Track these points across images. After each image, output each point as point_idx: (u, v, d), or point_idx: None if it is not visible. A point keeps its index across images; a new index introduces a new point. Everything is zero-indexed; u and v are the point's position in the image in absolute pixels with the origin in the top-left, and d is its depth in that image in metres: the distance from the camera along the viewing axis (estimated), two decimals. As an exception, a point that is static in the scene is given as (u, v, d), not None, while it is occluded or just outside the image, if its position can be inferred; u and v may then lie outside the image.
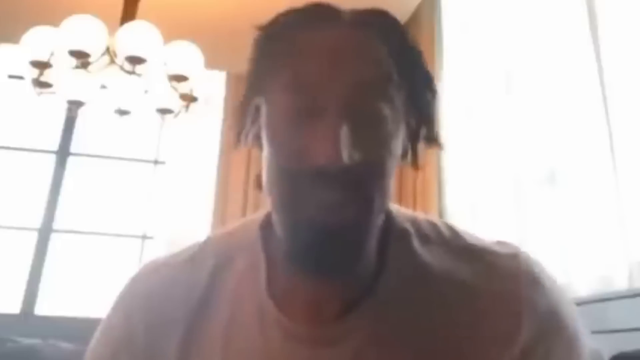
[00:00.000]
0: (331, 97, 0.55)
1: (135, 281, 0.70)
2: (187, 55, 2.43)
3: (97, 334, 0.69)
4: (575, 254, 1.86)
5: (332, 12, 0.60)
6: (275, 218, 0.59)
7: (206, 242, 0.70)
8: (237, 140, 0.64)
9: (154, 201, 3.70)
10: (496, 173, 2.38)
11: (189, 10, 3.27)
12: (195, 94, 2.54)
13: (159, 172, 3.85)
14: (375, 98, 0.56)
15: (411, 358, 0.60)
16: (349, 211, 0.54)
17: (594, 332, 1.59)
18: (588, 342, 0.66)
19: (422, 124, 0.63)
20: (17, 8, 3.22)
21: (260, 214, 0.68)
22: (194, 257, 0.68)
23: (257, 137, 0.62)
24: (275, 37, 0.60)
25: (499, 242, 0.68)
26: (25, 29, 2.40)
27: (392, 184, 0.59)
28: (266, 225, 0.66)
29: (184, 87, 2.49)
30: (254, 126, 0.62)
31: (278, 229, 0.59)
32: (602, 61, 1.84)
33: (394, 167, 0.58)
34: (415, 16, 3.28)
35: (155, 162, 3.91)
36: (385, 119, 0.56)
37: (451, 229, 0.68)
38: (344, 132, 0.53)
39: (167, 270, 0.68)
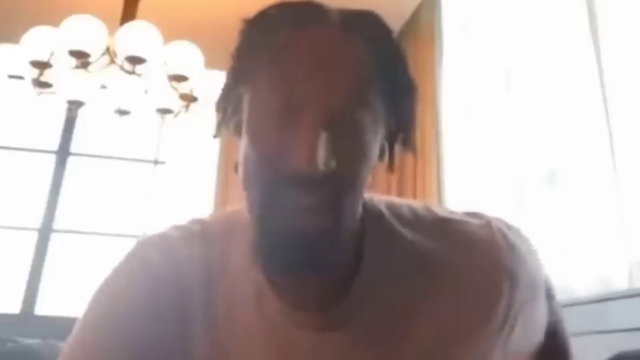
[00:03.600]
0: (311, 102, 0.55)
1: (146, 248, 0.67)
2: (187, 55, 2.42)
3: (107, 301, 0.64)
4: (575, 254, 1.86)
5: (321, 12, 0.60)
6: (249, 213, 0.60)
7: (210, 221, 0.70)
8: (218, 128, 0.64)
9: (154, 201, 3.70)
10: (496, 173, 2.38)
11: (189, 10, 3.27)
12: (195, 94, 2.54)
13: (159, 172, 3.85)
14: (355, 105, 0.56)
15: (394, 346, 0.62)
16: (321, 217, 0.55)
17: (594, 332, 1.59)
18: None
19: (401, 128, 0.63)
20: (17, 8, 3.22)
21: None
22: (203, 233, 0.67)
23: (238, 126, 0.62)
24: (262, 32, 0.60)
25: (469, 214, 0.70)
26: (25, 29, 2.40)
27: (368, 185, 0.60)
28: None
29: (184, 87, 2.49)
30: (236, 115, 0.62)
31: (251, 224, 0.59)
32: (602, 62, 1.84)
33: (370, 172, 0.59)
34: (415, 16, 3.28)
35: (155, 162, 3.91)
36: (363, 128, 0.56)
37: (428, 208, 0.69)
38: (322, 140, 0.53)
39: (179, 243, 0.67)
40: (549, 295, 0.75)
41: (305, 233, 0.54)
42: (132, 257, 0.67)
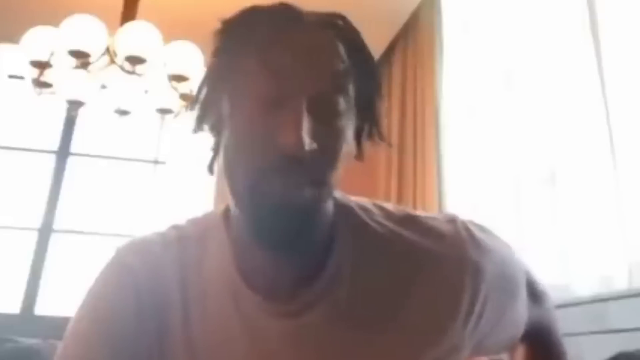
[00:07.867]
0: (298, 89, 0.60)
1: (126, 254, 0.71)
2: (187, 55, 2.42)
3: (92, 311, 0.66)
4: (575, 254, 1.86)
5: (296, 14, 0.65)
6: (236, 202, 0.64)
7: (186, 226, 0.73)
8: (198, 127, 0.70)
9: (154, 201, 3.70)
10: (496, 173, 2.38)
11: (189, 10, 3.27)
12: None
13: (159, 172, 3.85)
14: (335, 92, 0.62)
15: (361, 326, 0.65)
16: (306, 192, 0.60)
17: (594, 332, 1.59)
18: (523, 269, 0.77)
19: (367, 120, 0.68)
20: (17, 8, 3.22)
21: (220, 206, 0.74)
22: (180, 238, 0.71)
23: (214, 126, 0.68)
24: (244, 33, 0.64)
25: (436, 213, 0.75)
26: (25, 29, 2.39)
27: (341, 171, 0.65)
28: (227, 213, 0.71)
29: (184, 87, 2.48)
30: (214, 115, 0.67)
31: (240, 212, 0.64)
32: (602, 61, 1.85)
33: (344, 156, 0.64)
34: (415, 16, 3.28)
35: (155, 162, 3.91)
36: (342, 113, 0.62)
37: (396, 206, 0.74)
38: (306, 123, 0.58)
39: (157, 248, 0.70)
40: (535, 298, 0.79)
41: (292, 207, 0.59)
42: (115, 264, 0.71)
